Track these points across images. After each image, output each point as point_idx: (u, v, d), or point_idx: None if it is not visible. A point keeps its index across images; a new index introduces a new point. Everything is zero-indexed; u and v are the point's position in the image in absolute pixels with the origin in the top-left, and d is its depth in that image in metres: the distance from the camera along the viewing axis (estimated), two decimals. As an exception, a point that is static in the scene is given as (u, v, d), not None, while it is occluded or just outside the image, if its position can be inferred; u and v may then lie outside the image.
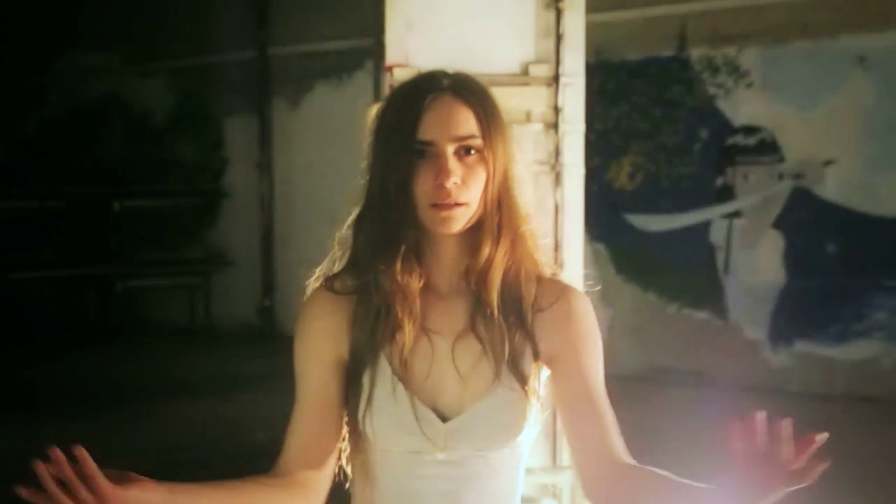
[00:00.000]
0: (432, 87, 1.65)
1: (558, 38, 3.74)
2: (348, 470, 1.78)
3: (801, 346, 8.33)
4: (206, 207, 11.80)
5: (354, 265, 1.73)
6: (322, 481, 1.72)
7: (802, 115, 8.32)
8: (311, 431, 1.71)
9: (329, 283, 1.74)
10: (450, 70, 1.72)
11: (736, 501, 1.44)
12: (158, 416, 7.67)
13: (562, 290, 1.74)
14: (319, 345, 1.72)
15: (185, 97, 12.03)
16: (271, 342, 10.24)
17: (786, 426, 1.34)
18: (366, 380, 1.66)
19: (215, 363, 9.81)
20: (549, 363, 1.72)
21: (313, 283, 1.77)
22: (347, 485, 1.81)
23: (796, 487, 1.40)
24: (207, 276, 11.68)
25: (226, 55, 11.55)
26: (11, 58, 13.02)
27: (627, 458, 1.65)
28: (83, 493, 1.41)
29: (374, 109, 1.77)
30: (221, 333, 11.25)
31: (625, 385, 7.66)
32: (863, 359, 8.02)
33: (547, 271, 1.77)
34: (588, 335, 1.73)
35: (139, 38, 12.14)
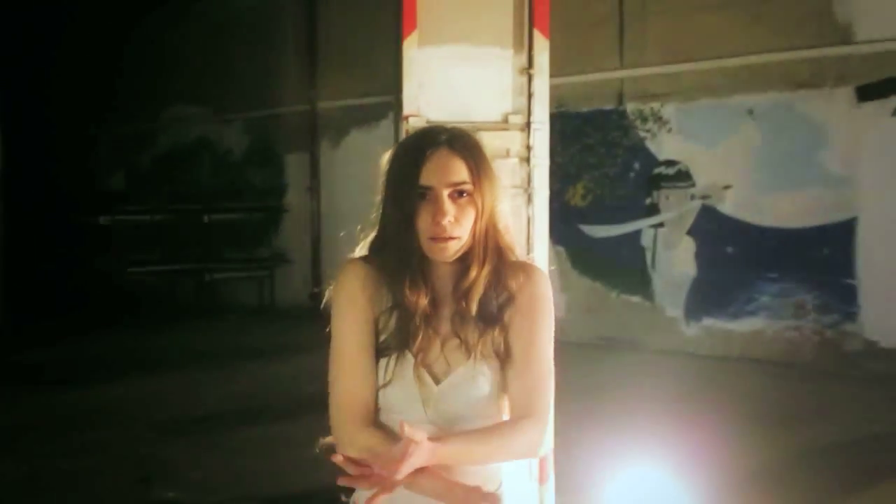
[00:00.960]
0: (432, 141, 1.56)
1: (529, 96, 3.71)
2: None
3: (708, 321, 8.32)
4: (270, 219, 11.79)
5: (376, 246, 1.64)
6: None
7: (708, 153, 8.32)
8: (372, 372, 1.61)
9: (362, 259, 1.65)
10: (447, 126, 1.61)
11: None
12: (235, 372, 7.68)
13: (527, 271, 1.64)
14: (365, 308, 1.62)
15: (256, 139, 12.03)
16: (319, 319, 10.22)
17: None
18: (396, 367, 1.58)
19: (277, 334, 9.80)
20: (506, 328, 1.62)
21: (353, 257, 1.67)
22: None
23: None
24: (272, 269, 11.64)
25: (285, 108, 11.54)
26: (130, 112, 13.10)
27: (514, 413, 1.59)
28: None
29: (387, 156, 1.63)
30: (282, 312, 11.18)
31: (579, 351, 7.76)
32: (752, 330, 8.02)
33: (520, 256, 1.67)
34: (537, 307, 1.62)
35: (223, 96, 12.15)
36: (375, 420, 1.60)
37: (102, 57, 13.16)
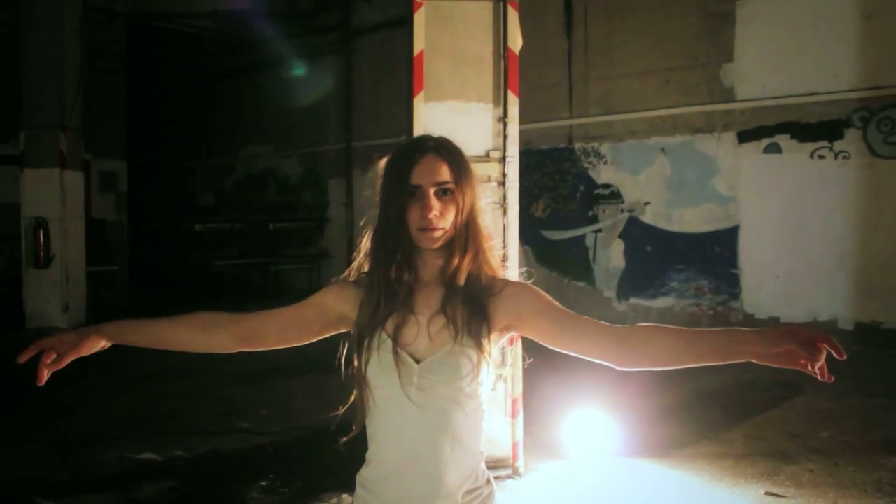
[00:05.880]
0: (421, 147, 1.34)
1: (505, 137, 3.70)
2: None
3: (633, 300, 8.25)
4: (317, 227, 11.69)
5: (369, 271, 1.40)
6: (237, 348, 1.45)
7: (633, 179, 8.26)
8: (272, 324, 1.44)
9: (356, 280, 1.43)
10: (435, 136, 1.38)
11: (744, 346, 1.18)
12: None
13: (507, 281, 1.39)
14: (331, 302, 1.42)
15: (307, 168, 11.93)
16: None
17: (832, 350, 1.11)
18: (371, 343, 1.32)
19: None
20: (514, 327, 1.37)
21: (344, 275, 1.46)
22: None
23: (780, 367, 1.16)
24: (318, 263, 11.55)
25: (329, 146, 11.46)
26: (218, 149, 13.05)
27: (624, 329, 1.31)
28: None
29: (383, 160, 1.39)
30: (327, 293, 11.14)
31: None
32: (664, 306, 7.96)
33: (498, 273, 1.41)
34: (537, 294, 1.38)
35: (284, 138, 12.10)
36: (228, 326, 1.45)
37: (198, 110, 13.18)
